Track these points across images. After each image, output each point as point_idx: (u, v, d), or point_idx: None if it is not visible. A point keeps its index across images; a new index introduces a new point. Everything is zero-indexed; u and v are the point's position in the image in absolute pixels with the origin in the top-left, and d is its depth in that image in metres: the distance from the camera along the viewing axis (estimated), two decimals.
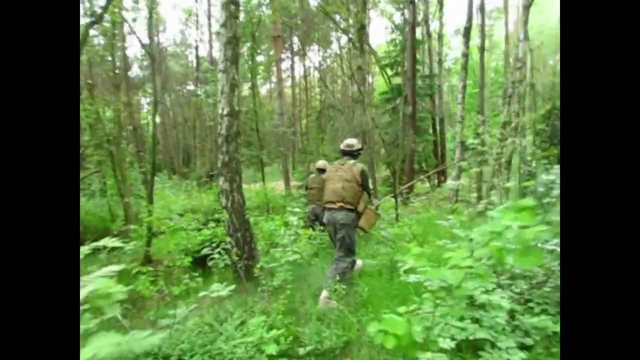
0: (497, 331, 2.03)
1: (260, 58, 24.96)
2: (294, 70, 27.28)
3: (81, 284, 1.52)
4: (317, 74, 28.16)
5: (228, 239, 4.00)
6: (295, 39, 24.26)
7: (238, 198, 4.21)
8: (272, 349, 2.13)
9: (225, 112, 4.14)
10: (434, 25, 18.81)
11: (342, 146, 4.00)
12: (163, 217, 4.47)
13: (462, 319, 2.02)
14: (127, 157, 10.44)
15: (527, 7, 7.26)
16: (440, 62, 18.15)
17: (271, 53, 22.26)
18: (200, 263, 4.48)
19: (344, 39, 23.00)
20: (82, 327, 2.06)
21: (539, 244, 2.44)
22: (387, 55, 16.84)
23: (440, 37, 18.22)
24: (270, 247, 4.64)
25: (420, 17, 16.61)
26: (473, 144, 3.16)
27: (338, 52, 26.03)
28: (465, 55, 8.68)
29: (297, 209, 5.32)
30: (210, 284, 2.97)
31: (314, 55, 28.68)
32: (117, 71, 12.01)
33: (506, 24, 21.37)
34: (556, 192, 2.57)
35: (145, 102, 29.07)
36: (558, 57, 23.98)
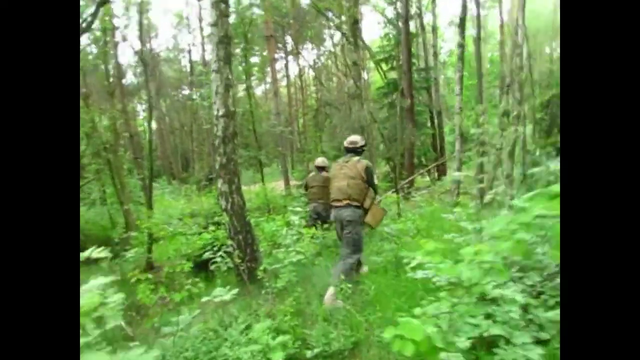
0: (512, 326, 1.95)
1: (254, 59, 24.92)
2: (288, 70, 27.16)
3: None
4: (312, 73, 28.09)
5: (229, 242, 3.93)
6: (288, 38, 24.15)
7: (238, 200, 4.13)
8: (278, 357, 2.06)
9: (220, 113, 4.06)
10: (427, 18, 18.75)
11: (345, 143, 4.00)
12: (162, 222, 4.41)
13: (474, 315, 1.94)
14: (125, 164, 10.37)
15: None
16: (435, 54, 18.07)
17: (264, 53, 22.20)
18: (202, 267, 4.41)
19: (337, 36, 22.94)
20: (84, 339, 1.99)
21: None
22: (381, 50, 16.73)
23: (435, 29, 18.13)
24: (273, 248, 4.58)
25: (413, 10, 16.51)
26: (476, 134, 3.07)
27: (332, 49, 25.94)
28: (461, 46, 8.60)
29: (298, 209, 5.25)
30: (213, 288, 2.91)
31: (308, 53, 28.59)
32: (111, 79, 11.94)
33: (500, 13, 21.23)
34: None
35: (141, 108, 29.01)
36: (554, 44, 23.91)
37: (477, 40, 12.77)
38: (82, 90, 8.87)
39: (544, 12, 25.59)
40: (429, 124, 16.78)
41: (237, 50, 13.07)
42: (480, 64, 14.24)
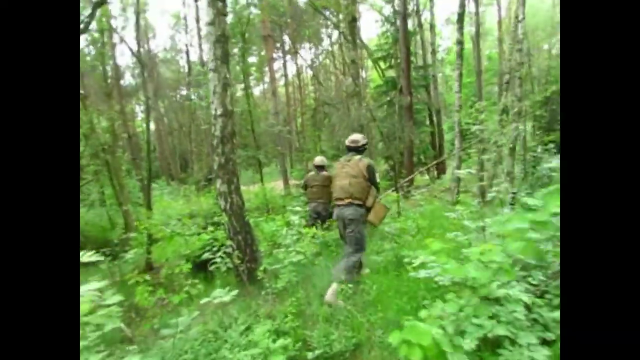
0: (516, 327, 1.92)
1: (251, 59, 24.88)
2: (286, 69, 27.09)
3: None
4: (310, 72, 28.03)
5: (229, 242, 3.89)
6: (286, 38, 24.09)
7: (237, 200, 4.10)
8: None
9: (218, 112, 4.03)
10: (424, 16, 18.70)
11: (347, 142, 4.00)
12: (161, 223, 4.37)
13: (480, 316, 1.91)
14: (124, 165, 10.34)
15: None
16: (433, 52, 18.02)
17: (262, 53, 22.14)
18: (201, 268, 4.38)
19: (335, 35, 22.90)
20: (83, 342, 1.96)
21: None
22: (379, 49, 16.68)
23: (432, 27, 18.09)
24: (273, 248, 4.54)
25: (410, 8, 16.46)
26: (477, 131, 3.04)
27: (330, 48, 25.89)
28: (460, 43, 8.55)
29: (297, 208, 5.22)
30: (212, 289, 2.87)
31: (306, 52, 28.53)
32: (109, 80, 11.89)
33: (499, 9, 21.23)
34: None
35: (139, 109, 28.90)
36: (553, 40, 23.86)
37: (476, 36, 12.73)
38: (80, 91, 8.83)
39: (542, 8, 25.57)
40: (427, 122, 16.75)
41: (235, 50, 13.04)
42: (480, 60, 14.20)
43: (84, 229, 9.19)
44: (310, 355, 2.34)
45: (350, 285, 3.21)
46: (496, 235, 1.58)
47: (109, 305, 1.90)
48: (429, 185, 12.69)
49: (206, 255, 3.67)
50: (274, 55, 21.09)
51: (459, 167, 8.39)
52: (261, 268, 3.46)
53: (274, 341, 2.40)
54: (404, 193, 9.51)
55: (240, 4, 12.61)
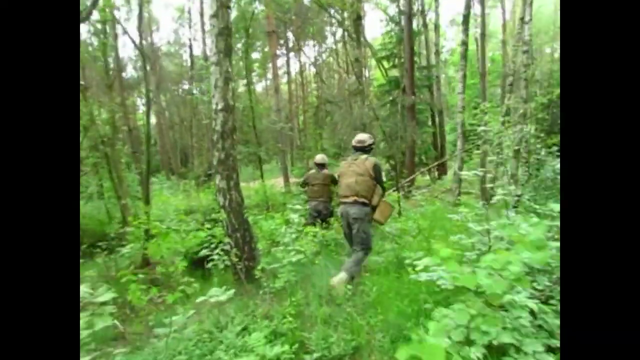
0: (522, 334, 1.85)
1: (255, 55, 24.78)
2: (289, 66, 26.96)
3: None
4: (313, 69, 27.92)
5: (227, 240, 3.83)
6: (290, 35, 23.99)
7: (236, 196, 4.03)
8: None
9: (219, 107, 3.95)
10: (429, 16, 18.60)
11: (353, 142, 4.04)
12: (159, 218, 4.30)
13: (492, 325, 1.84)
14: (123, 158, 10.26)
15: None
16: (437, 52, 17.92)
17: (266, 49, 22.04)
18: (199, 265, 4.31)
19: (339, 33, 22.79)
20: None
21: None
22: (383, 48, 16.58)
23: (437, 27, 17.99)
24: (271, 246, 4.47)
25: (415, 8, 16.35)
26: (482, 132, 2.97)
27: (333, 46, 25.78)
28: (465, 44, 8.47)
29: (297, 206, 5.15)
30: (210, 287, 2.80)
31: (310, 50, 28.42)
32: (110, 72, 11.80)
33: (503, 12, 21.13)
34: None
35: (140, 103, 28.78)
36: (554, 44, 23.77)
37: (482, 37, 12.65)
38: (81, 83, 8.75)
39: (544, 12, 25.44)
40: (429, 123, 16.68)
41: (239, 45, 12.95)
42: (484, 61, 14.12)
43: (82, 222, 9.11)
44: (308, 358, 2.27)
45: (349, 287, 3.15)
46: (507, 240, 1.51)
47: (100, 304, 1.84)
48: (429, 185, 12.63)
49: (204, 252, 3.61)
50: (278, 52, 20.95)
51: (461, 168, 8.33)
52: (259, 267, 3.40)
53: (271, 341, 2.34)
54: (405, 193, 9.44)
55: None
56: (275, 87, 15.39)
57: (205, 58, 17.87)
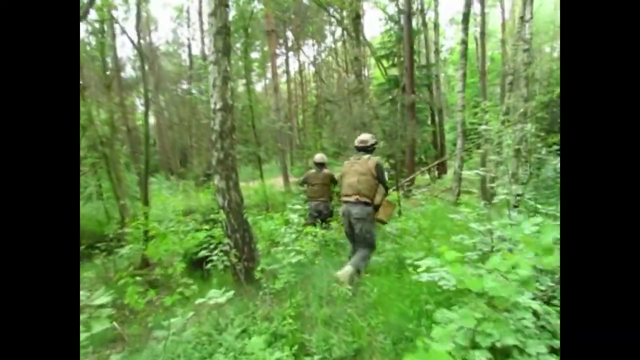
0: (525, 335, 1.82)
1: (254, 54, 24.70)
2: (288, 65, 26.90)
3: None
4: (312, 68, 27.87)
5: (226, 240, 3.80)
6: (289, 34, 23.93)
7: (235, 197, 4.00)
8: None
9: (218, 106, 3.92)
10: (428, 15, 18.57)
11: (356, 143, 4.04)
12: (158, 218, 4.26)
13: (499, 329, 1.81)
14: (122, 158, 10.22)
15: None
16: (436, 51, 17.89)
17: (265, 49, 21.98)
18: (198, 265, 4.28)
19: (339, 32, 22.76)
20: None
21: None
22: (382, 47, 16.55)
23: (436, 26, 17.95)
24: (271, 246, 4.45)
25: (415, 7, 16.31)
26: (485, 131, 2.94)
27: (333, 45, 25.74)
28: (464, 42, 8.44)
29: (297, 206, 5.12)
30: (209, 288, 2.77)
31: (309, 49, 28.37)
32: (108, 72, 11.75)
33: (502, 11, 21.09)
34: None
35: (139, 102, 28.67)
36: (554, 43, 23.74)
37: (482, 36, 12.62)
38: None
39: (543, 11, 25.40)
40: (429, 122, 16.65)
41: (238, 45, 12.89)
42: (484, 61, 14.09)
43: (80, 223, 9.08)
44: None
45: (349, 288, 3.13)
46: (512, 240, 1.48)
47: (98, 306, 1.81)
48: (429, 184, 12.60)
49: (203, 253, 3.59)
50: (277, 51, 20.90)
51: (461, 167, 8.30)
52: (259, 268, 3.37)
53: (270, 344, 2.32)
54: (405, 192, 9.41)
55: None
56: (275, 87, 15.34)
57: (204, 57, 17.80)
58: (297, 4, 18.92)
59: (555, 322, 1.97)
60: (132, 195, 10.01)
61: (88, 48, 10.96)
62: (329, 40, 26.37)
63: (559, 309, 2.13)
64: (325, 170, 5.65)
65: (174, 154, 27.51)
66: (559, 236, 1.00)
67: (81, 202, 10.08)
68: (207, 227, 3.50)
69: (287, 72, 26.86)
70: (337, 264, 3.99)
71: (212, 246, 3.57)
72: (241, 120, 12.86)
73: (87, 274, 4.64)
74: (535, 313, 2.03)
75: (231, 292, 2.48)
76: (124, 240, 6.11)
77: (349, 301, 2.97)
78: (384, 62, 16.24)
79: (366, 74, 23.40)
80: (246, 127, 13.94)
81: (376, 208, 3.75)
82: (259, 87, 33.10)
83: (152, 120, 25.07)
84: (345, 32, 16.50)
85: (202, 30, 20.87)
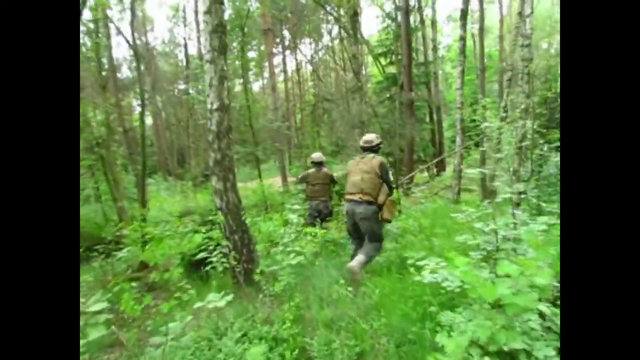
0: (531, 337, 1.78)
1: (251, 54, 24.62)
2: (286, 64, 26.80)
3: None
4: (309, 67, 27.80)
5: (225, 242, 3.75)
6: (286, 32, 23.83)
7: (233, 198, 3.94)
8: None
9: (214, 106, 3.86)
10: (426, 12, 18.52)
11: (361, 143, 4.09)
12: (155, 220, 4.20)
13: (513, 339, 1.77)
14: (119, 160, 10.14)
15: None
16: (434, 49, 17.85)
17: (262, 48, 21.90)
18: (197, 267, 4.23)
19: (336, 30, 22.67)
20: None
21: None
22: (380, 44, 16.49)
23: (434, 23, 17.91)
24: (270, 247, 4.39)
25: (412, 4, 16.25)
26: (487, 127, 2.89)
27: (330, 44, 25.64)
28: (463, 39, 8.38)
29: (296, 206, 5.07)
30: (208, 290, 2.72)
31: (306, 48, 28.26)
32: (104, 72, 11.65)
33: (500, 7, 21.05)
34: None
35: (136, 103, 28.55)
36: (551, 40, 23.69)
37: (480, 32, 12.57)
38: None
39: (540, 7, 25.35)
40: (427, 119, 16.62)
41: (234, 44, 12.84)
42: (483, 58, 14.05)
43: None
44: None
45: (349, 289, 3.08)
46: (523, 241, 1.43)
47: (94, 313, 1.76)
48: (428, 182, 12.57)
49: (201, 255, 3.54)
50: (274, 50, 20.82)
51: (460, 165, 8.26)
52: (258, 270, 3.32)
53: (271, 349, 2.27)
54: (404, 190, 9.37)
55: None
56: (272, 86, 15.28)
57: (201, 57, 17.72)
58: (294, 3, 18.84)
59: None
60: (129, 197, 9.94)
61: (83, 49, 10.86)
62: (326, 38, 26.25)
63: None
64: (325, 170, 5.60)
65: (171, 154, 27.39)
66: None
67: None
68: (205, 228, 3.44)
69: (285, 71, 26.75)
70: (338, 264, 3.95)
71: (210, 248, 3.52)
72: (238, 120, 12.80)
73: (85, 277, 4.57)
74: (541, 314, 1.99)
75: (230, 296, 2.42)
76: (122, 243, 6.04)
77: (350, 303, 2.92)
78: (382, 60, 16.19)
79: (364, 72, 23.34)
80: (244, 127, 13.89)
81: (380, 207, 3.76)
82: (256, 86, 33.02)
83: (149, 121, 25.00)
84: (342, 30, 16.44)
85: (198, 30, 20.76)
